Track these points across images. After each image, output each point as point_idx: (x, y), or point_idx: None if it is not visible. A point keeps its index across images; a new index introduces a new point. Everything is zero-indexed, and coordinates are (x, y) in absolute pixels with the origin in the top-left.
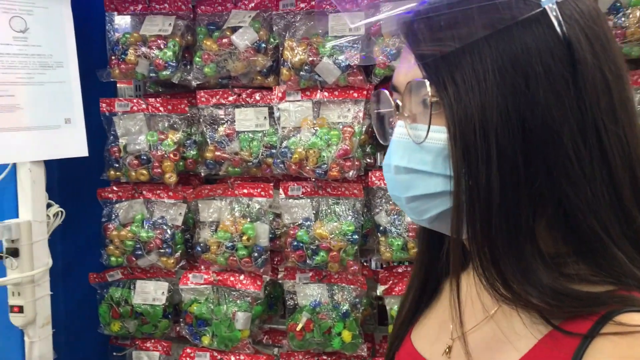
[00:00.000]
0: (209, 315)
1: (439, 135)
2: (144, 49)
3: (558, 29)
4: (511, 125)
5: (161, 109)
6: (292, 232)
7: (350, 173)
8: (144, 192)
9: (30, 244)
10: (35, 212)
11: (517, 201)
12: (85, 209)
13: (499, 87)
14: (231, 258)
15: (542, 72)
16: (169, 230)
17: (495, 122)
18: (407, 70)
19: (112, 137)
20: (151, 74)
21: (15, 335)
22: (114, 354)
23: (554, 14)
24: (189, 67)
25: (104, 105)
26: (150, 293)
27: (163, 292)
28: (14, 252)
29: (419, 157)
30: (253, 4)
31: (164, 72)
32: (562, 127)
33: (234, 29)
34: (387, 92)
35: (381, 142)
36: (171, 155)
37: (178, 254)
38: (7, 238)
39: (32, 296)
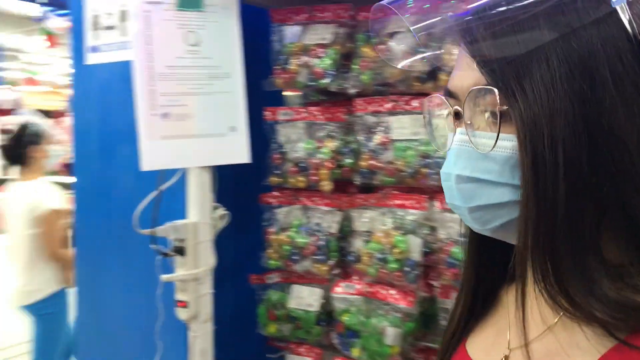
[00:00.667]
0: (359, 326)
1: (506, 143)
2: (305, 57)
3: (630, 29)
4: (578, 133)
5: (320, 117)
6: (446, 248)
7: None
8: (302, 199)
9: (196, 244)
10: (201, 214)
11: (582, 211)
12: (250, 213)
13: (567, 94)
14: (382, 270)
15: (609, 78)
16: (323, 237)
17: (562, 131)
18: (467, 75)
19: (275, 145)
20: (310, 83)
21: (181, 329)
22: (268, 355)
23: (626, 15)
24: (347, 74)
25: (268, 113)
26: (305, 298)
27: (316, 299)
28: (181, 251)
29: (483, 166)
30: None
31: (323, 81)
32: (630, 134)
33: (392, 35)
34: (442, 97)
35: (436, 149)
36: (327, 164)
37: (332, 261)
38: (175, 237)
39: (196, 293)
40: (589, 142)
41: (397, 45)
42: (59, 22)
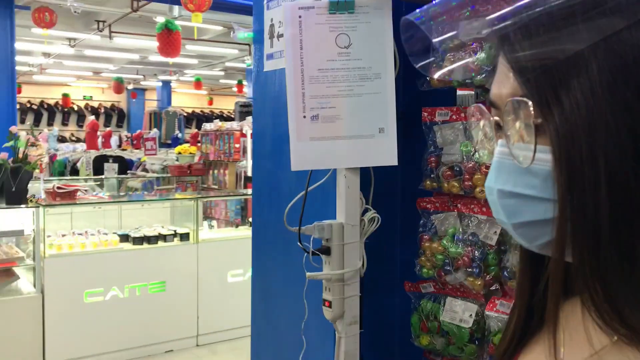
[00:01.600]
0: None
1: (547, 156)
2: (461, 53)
3: None
4: (622, 146)
5: (480, 117)
6: None
7: None
8: (459, 205)
9: (341, 245)
10: (348, 215)
11: (630, 228)
12: (404, 217)
13: (608, 104)
14: None
15: None
16: (479, 249)
17: (604, 143)
18: (505, 84)
19: (431, 147)
20: (467, 80)
21: (331, 328)
22: None
23: None
24: None
25: (425, 114)
26: (458, 313)
27: (471, 315)
28: (326, 251)
29: (525, 181)
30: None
31: (479, 77)
32: None
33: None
34: (483, 107)
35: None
36: (483, 168)
37: (489, 276)
38: (319, 236)
39: (341, 294)
40: (634, 155)
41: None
42: (245, 34)
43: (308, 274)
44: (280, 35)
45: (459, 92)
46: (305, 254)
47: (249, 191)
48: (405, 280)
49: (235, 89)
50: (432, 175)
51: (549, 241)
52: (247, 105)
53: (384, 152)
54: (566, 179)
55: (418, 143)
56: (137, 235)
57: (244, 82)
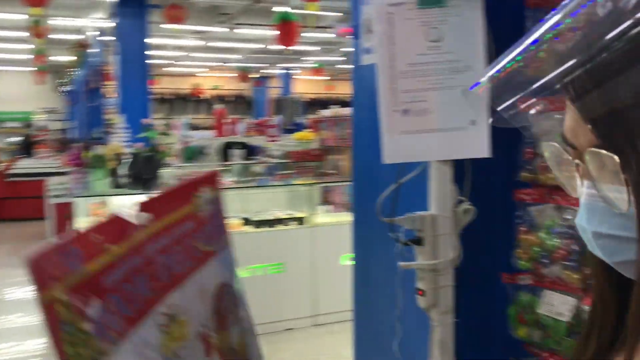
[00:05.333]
0: None
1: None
2: (557, 44)
3: None
4: None
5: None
6: None
7: None
8: (557, 197)
9: (434, 236)
10: (440, 206)
11: None
12: (501, 209)
13: None
14: None
15: None
16: (577, 242)
17: None
18: (579, 131)
19: (527, 138)
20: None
21: (426, 317)
22: (511, 358)
23: None
24: None
25: (521, 104)
26: (555, 306)
27: (568, 309)
28: (419, 241)
29: (620, 223)
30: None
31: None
32: None
33: None
34: (558, 147)
35: (568, 193)
36: None
37: (588, 270)
38: (411, 227)
39: (434, 283)
40: None
41: None
42: (343, 28)
43: (401, 263)
44: None
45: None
46: (401, 244)
47: None
48: (502, 272)
49: None
50: (529, 167)
51: None
52: None
53: (476, 144)
54: None
55: (514, 134)
56: (258, 218)
57: None
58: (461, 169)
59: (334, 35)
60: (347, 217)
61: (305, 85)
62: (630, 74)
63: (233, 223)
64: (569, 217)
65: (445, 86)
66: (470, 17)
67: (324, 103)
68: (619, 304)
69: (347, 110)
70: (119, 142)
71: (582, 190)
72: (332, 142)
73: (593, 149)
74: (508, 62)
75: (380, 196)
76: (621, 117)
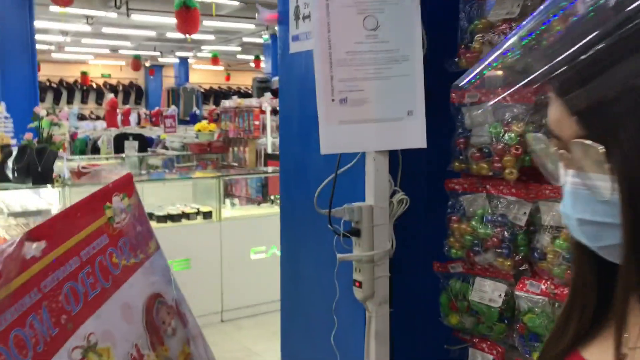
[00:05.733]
0: (541, 330)
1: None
2: (489, 35)
3: None
4: None
5: (508, 98)
6: None
7: None
8: (488, 187)
9: (371, 227)
10: (377, 197)
11: None
12: (433, 199)
13: None
14: (568, 272)
15: None
16: (509, 230)
17: None
18: (563, 123)
19: (459, 129)
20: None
21: (361, 308)
22: (446, 346)
23: None
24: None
25: (454, 95)
26: (488, 293)
27: (500, 295)
28: (356, 233)
29: (602, 209)
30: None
31: (509, 59)
32: None
33: None
34: (542, 136)
35: (551, 182)
36: (513, 150)
37: (519, 256)
38: (349, 219)
39: (371, 275)
40: None
41: None
42: (270, 14)
43: (339, 255)
44: (306, 17)
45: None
46: (336, 236)
47: (270, 169)
48: (434, 261)
49: (252, 65)
50: (460, 157)
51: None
52: (264, 81)
53: (413, 135)
54: (633, 214)
55: (445, 124)
56: (161, 213)
57: (262, 57)
58: (393, 158)
59: (232, 25)
60: (255, 210)
61: (202, 75)
62: (613, 70)
63: None
64: (500, 205)
65: (383, 76)
66: (407, 6)
67: (221, 94)
68: (599, 288)
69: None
70: (3, 132)
71: (566, 179)
72: (235, 134)
73: (578, 139)
74: (484, 69)
75: (318, 188)
76: (605, 109)
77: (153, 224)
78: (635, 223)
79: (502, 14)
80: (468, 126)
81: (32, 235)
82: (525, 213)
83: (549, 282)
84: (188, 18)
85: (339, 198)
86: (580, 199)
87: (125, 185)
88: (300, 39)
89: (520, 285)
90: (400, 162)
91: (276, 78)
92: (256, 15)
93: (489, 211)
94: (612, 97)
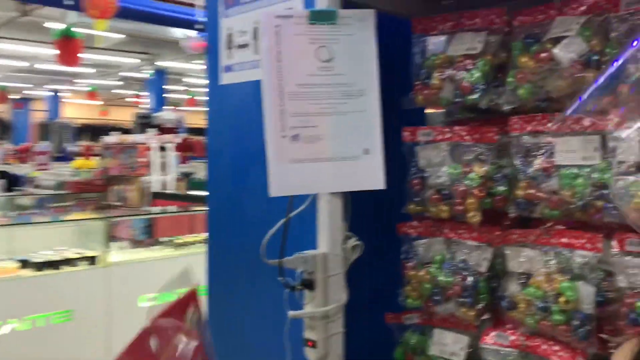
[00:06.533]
0: None
1: None
2: (449, 71)
3: None
4: None
5: (467, 137)
6: (628, 300)
7: None
8: (445, 231)
9: (326, 278)
10: (332, 244)
11: None
12: (386, 244)
13: None
14: (543, 322)
15: None
16: (471, 277)
17: None
18: None
19: (413, 169)
20: (457, 99)
21: None
22: None
23: None
24: (500, 89)
25: (406, 134)
26: (448, 345)
27: (462, 347)
28: (310, 285)
29: None
30: (584, 7)
31: (471, 96)
32: None
33: (557, 40)
34: None
35: None
36: (475, 192)
37: (481, 305)
38: (305, 269)
39: (326, 332)
40: None
41: (561, 53)
42: (197, 42)
43: (292, 312)
44: (241, 46)
45: (429, 112)
46: (286, 289)
47: (157, 209)
48: (386, 312)
49: (132, 100)
50: (416, 199)
51: None
52: (146, 117)
53: (370, 175)
54: None
55: (392, 164)
56: (38, 260)
57: (143, 93)
58: (345, 201)
59: (112, 58)
60: (144, 254)
61: (76, 110)
62: None
63: (5, 267)
64: (459, 250)
65: (338, 111)
66: (363, 38)
67: (98, 129)
68: None
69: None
70: None
71: None
72: (118, 171)
73: None
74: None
75: (258, 233)
76: None
77: (27, 272)
78: None
79: (463, 49)
80: (423, 166)
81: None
82: (485, 259)
83: (518, 333)
84: (69, 49)
85: (276, 245)
86: None
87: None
88: (234, 70)
89: (485, 336)
90: (350, 204)
91: (159, 114)
92: (180, 43)
93: (448, 257)
94: None
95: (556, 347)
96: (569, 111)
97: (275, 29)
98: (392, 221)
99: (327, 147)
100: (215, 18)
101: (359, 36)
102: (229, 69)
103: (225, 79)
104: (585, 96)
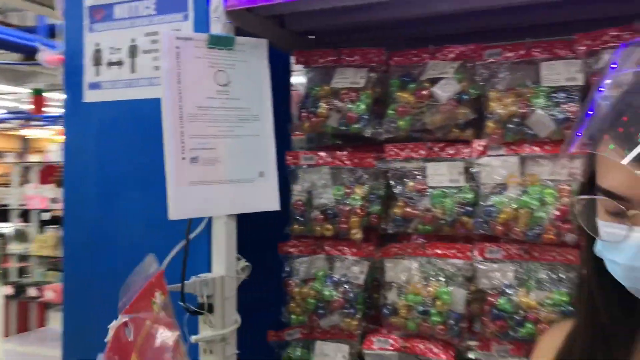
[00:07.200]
0: None
1: None
2: (335, 101)
3: None
4: None
5: (347, 162)
6: (490, 299)
7: (569, 237)
8: (327, 248)
9: (223, 300)
10: (228, 266)
11: None
12: (268, 264)
13: None
14: (423, 324)
15: None
16: (352, 289)
17: None
18: (636, 184)
19: (297, 191)
20: (342, 127)
21: None
22: None
23: None
24: (380, 120)
25: (289, 158)
26: (330, 356)
27: (344, 356)
28: (210, 308)
29: None
30: (454, 55)
31: (356, 125)
32: None
33: (433, 81)
34: (606, 199)
35: (590, 233)
36: (358, 211)
37: (361, 314)
38: (205, 293)
39: (223, 355)
40: None
41: (440, 91)
42: (51, 55)
43: (194, 337)
44: (112, 63)
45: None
46: (187, 314)
47: None
48: (268, 330)
49: None
50: (300, 219)
51: None
52: None
53: (266, 197)
54: None
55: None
56: None
57: None
58: None
59: None
60: None
61: None
62: None
63: None
64: (340, 265)
65: (234, 134)
66: (257, 65)
67: None
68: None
69: None
70: None
71: (633, 234)
72: None
73: None
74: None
75: (133, 261)
76: None
77: None
78: None
79: (347, 82)
80: (306, 189)
81: None
82: (363, 272)
83: (397, 337)
84: None
85: (172, 270)
86: None
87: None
88: (102, 87)
89: (368, 343)
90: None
91: None
92: (37, 55)
93: (330, 272)
94: None
95: (431, 345)
96: (570, 147)
97: (176, 50)
98: (273, 242)
99: (224, 169)
100: (79, 32)
101: (254, 63)
102: (95, 86)
103: (89, 96)
104: (581, 131)
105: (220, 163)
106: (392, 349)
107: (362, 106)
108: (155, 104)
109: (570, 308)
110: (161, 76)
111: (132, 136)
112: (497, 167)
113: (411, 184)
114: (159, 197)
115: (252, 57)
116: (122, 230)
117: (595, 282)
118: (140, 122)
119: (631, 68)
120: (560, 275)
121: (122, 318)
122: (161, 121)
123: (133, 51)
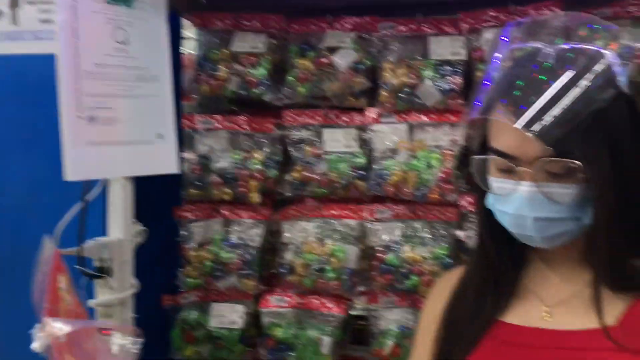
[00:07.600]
0: (293, 339)
1: (573, 191)
2: (235, 65)
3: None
4: (622, 179)
5: (246, 127)
6: (379, 255)
7: (452, 196)
8: (223, 211)
9: (121, 264)
10: (125, 230)
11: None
12: (162, 229)
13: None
14: (319, 280)
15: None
16: (249, 251)
17: (615, 177)
18: (527, 146)
19: (193, 155)
20: (241, 91)
21: None
22: None
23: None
24: (279, 86)
25: (185, 121)
26: (227, 316)
27: (240, 315)
28: (108, 273)
29: (556, 208)
30: (350, 26)
31: (256, 90)
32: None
33: (332, 50)
34: (497, 158)
35: (482, 187)
36: (257, 175)
37: (258, 275)
38: (103, 257)
39: (121, 320)
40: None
41: (340, 60)
42: None
43: (93, 301)
44: None
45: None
46: (85, 278)
47: None
48: (163, 294)
49: None
50: (197, 184)
51: (563, 240)
52: None
53: (164, 159)
54: (602, 205)
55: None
56: None
57: None
58: None
59: None
60: None
61: None
62: (575, 105)
63: None
64: (237, 228)
65: (132, 94)
66: (156, 24)
67: None
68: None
69: None
70: None
71: (520, 188)
72: None
73: (553, 158)
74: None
75: (60, 222)
76: (577, 136)
77: None
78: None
79: (247, 47)
80: (203, 153)
81: None
82: (259, 234)
83: (293, 294)
84: None
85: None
86: (537, 203)
87: None
88: (15, 38)
89: (264, 302)
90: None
91: None
92: None
93: (226, 236)
94: (583, 127)
95: (324, 300)
96: (471, 114)
97: (72, 2)
98: (169, 206)
99: (122, 130)
100: None
101: (152, 22)
102: (10, 36)
103: (4, 48)
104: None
105: (119, 123)
106: (288, 305)
107: (263, 71)
108: (42, 60)
109: (449, 260)
110: (57, 30)
111: (14, 94)
112: (388, 133)
113: (308, 149)
114: (46, 159)
115: (151, 16)
116: (6, 193)
117: (487, 231)
118: (24, 78)
119: (519, 43)
120: (442, 232)
121: (52, 321)
122: (48, 78)
123: (15, 1)
